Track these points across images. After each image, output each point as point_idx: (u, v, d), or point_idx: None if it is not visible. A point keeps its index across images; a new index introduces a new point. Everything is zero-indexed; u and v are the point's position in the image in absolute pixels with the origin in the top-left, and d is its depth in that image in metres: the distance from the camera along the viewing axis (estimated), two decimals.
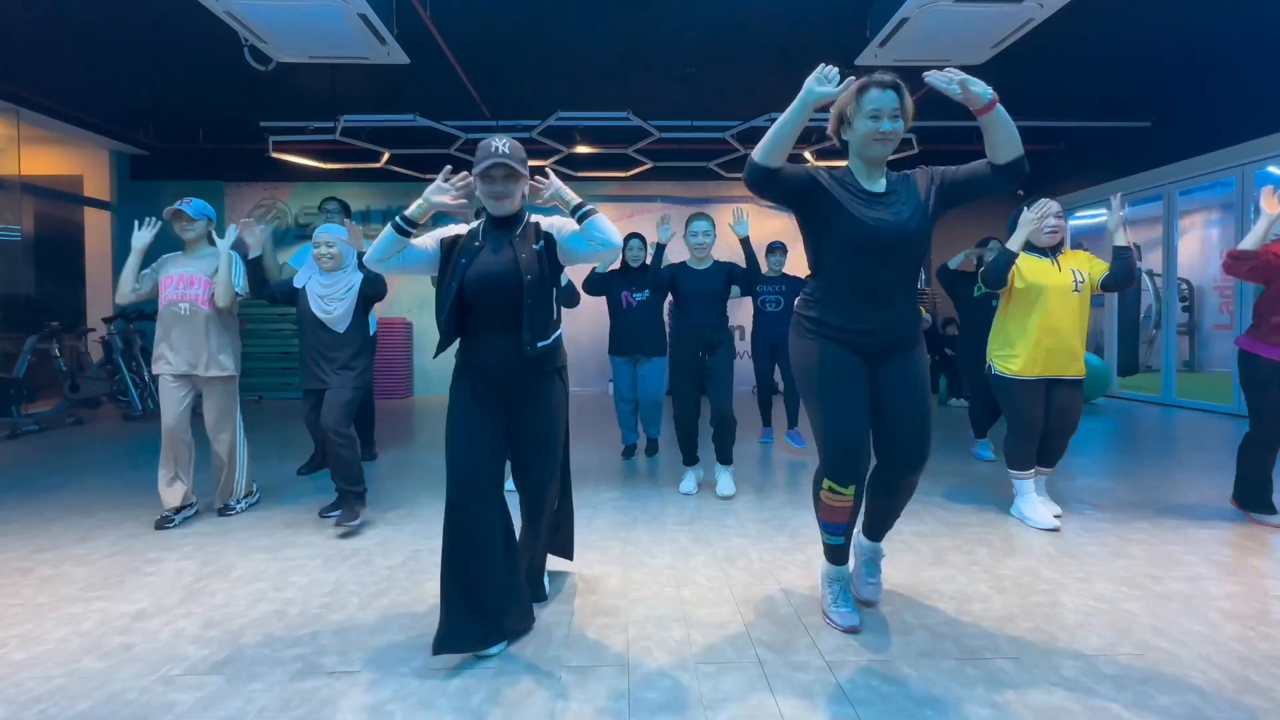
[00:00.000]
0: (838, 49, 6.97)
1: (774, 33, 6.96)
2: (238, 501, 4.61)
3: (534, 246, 2.78)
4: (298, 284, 4.49)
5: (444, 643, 2.60)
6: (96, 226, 11.25)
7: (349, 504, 4.28)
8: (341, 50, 5.79)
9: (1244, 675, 2.47)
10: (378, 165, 10.12)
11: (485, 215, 2.88)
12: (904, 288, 2.76)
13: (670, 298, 5.34)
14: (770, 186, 2.64)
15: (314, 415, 4.48)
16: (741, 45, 7.34)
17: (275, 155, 9.40)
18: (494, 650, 2.67)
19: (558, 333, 2.95)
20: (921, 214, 2.69)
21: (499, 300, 2.71)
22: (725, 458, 5.05)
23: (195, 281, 4.35)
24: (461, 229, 2.88)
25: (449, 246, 2.80)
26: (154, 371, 4.43)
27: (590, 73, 8.17)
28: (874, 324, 2.72)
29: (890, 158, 2.81)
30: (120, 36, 6.94)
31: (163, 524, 4.30)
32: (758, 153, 2.59)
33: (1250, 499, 4.29)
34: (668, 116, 9.29)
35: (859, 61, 6.13)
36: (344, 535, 4.15)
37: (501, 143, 2.70)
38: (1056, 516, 4.29)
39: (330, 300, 4.38)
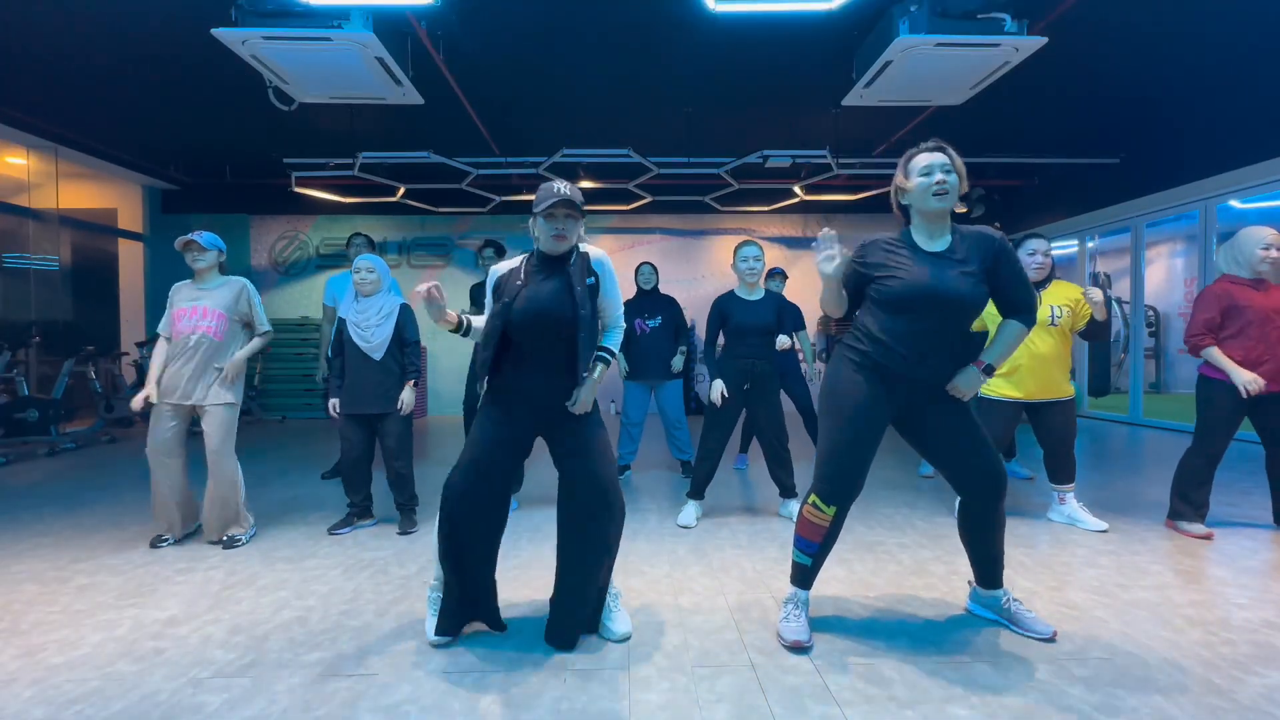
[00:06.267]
0: (825, 90, 7.08)
1: (766, 74, 7.03)
2: (240, 534, 4.28)
3: (588, 281, 2.80)
4: (341, 315, 4.51)
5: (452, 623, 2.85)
6: (130, 256, 11.30)
7: (408, 515, 4.58)
8: (360, 91, 5.84)
9: (1207, 678, 2.49)
10: (394, 199, 10.23)
11: (534, 252, 2.86)
12: (958, 338, 2.75)
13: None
14: (851, 311, 2.92)
15: (354, 435, 4.46)
16: (736, 86, 7.41)
17: (298, 190, 9.48)
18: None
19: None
20: (979, 276, 2.69)
21: (549, 334, 2.73)
22: (792, 490, 4.73)
23: (209, 314, 4.23)
24: (504, 266, 2.86)
25: (499, 288, 2.83)
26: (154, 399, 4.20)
27: (593, 112, 8.24)
28: (924, 372, 2.72)
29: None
30: (152, 78, 7.01)
31: (156, 543, 4.21)
32: (828, 311, 2.85)
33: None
34: (666, 153, 9.35)
35: (845, 102, 6.18)
36: (403, 533, 4.44)
37: (563, 185, 2.72)
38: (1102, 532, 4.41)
39: (366, 328, 4.40)
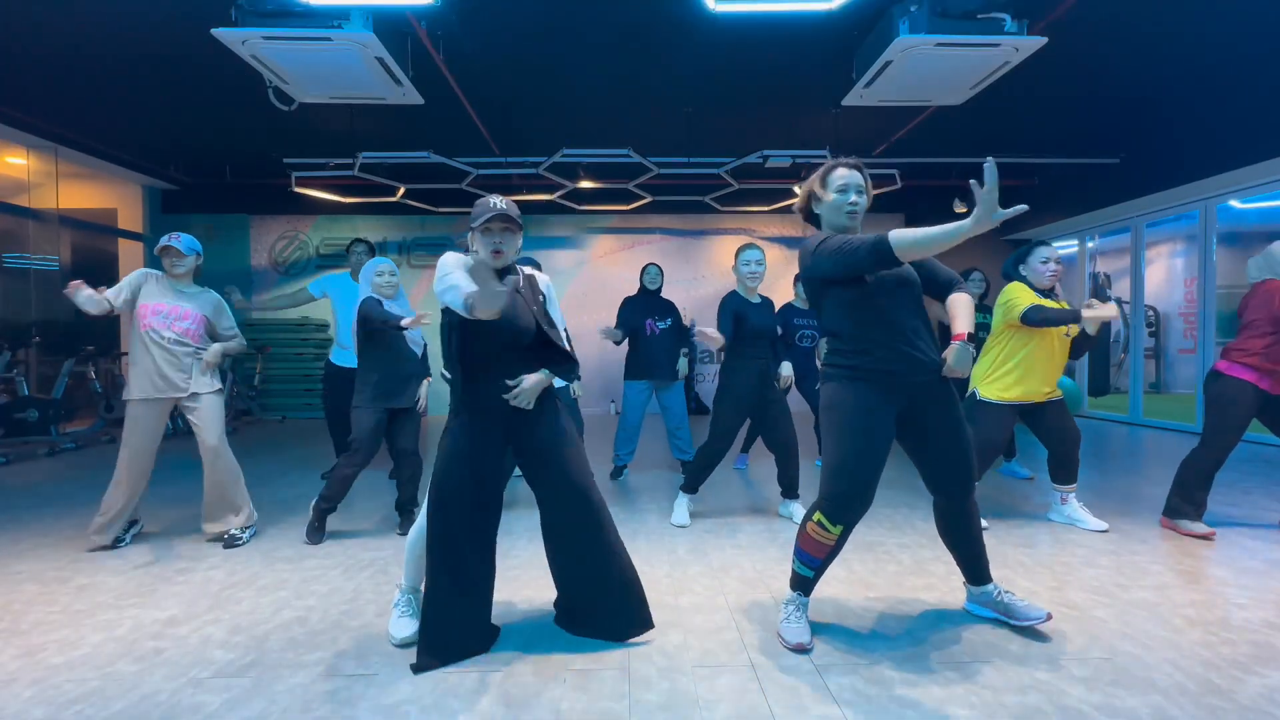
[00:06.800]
0: (825, 90, 7.08)
1: (766, 74, 7.04)
2: (243, 531, 4.30)
3: (540, 298, 2.89)
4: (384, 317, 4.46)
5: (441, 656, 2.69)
6: (130, 256, 11.26)
7: (409, 514, 4.59)
8: (360, 91, 5.84)
9: (1206, 678, 2.50)
10: (394, 199, 10.20)
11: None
12: (919, 320, 2.80)
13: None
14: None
15: (377, 431, 4.36)
16: (736, 86, 7.41)
17: (298, 190, 9.44)
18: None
19: None
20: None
21: (514, 345, 2.76)
22: (796, 491, 4.75)
23: (188, 315, 4.25)
24: (460, 260, 2.83)
25: None
26: (131, 396, 4.16)
27: (593, 112, 8.24)
28: (903, 358, 2.71)
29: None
30: (152, 78, 7.01)
31: (116, 544, 4.20)
32: (906, 248, 2.37)
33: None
34: (666, 153, 9.33)
35: (845, 102, 6.18)
36: (403, 534, 4.43)
37: (499, 199, 2.76)
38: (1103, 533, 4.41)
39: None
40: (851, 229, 2.81)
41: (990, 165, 2.15)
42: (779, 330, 4.70)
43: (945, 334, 6.23)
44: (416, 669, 2.63)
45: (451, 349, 2.75)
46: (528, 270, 2.96)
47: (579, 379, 2.93)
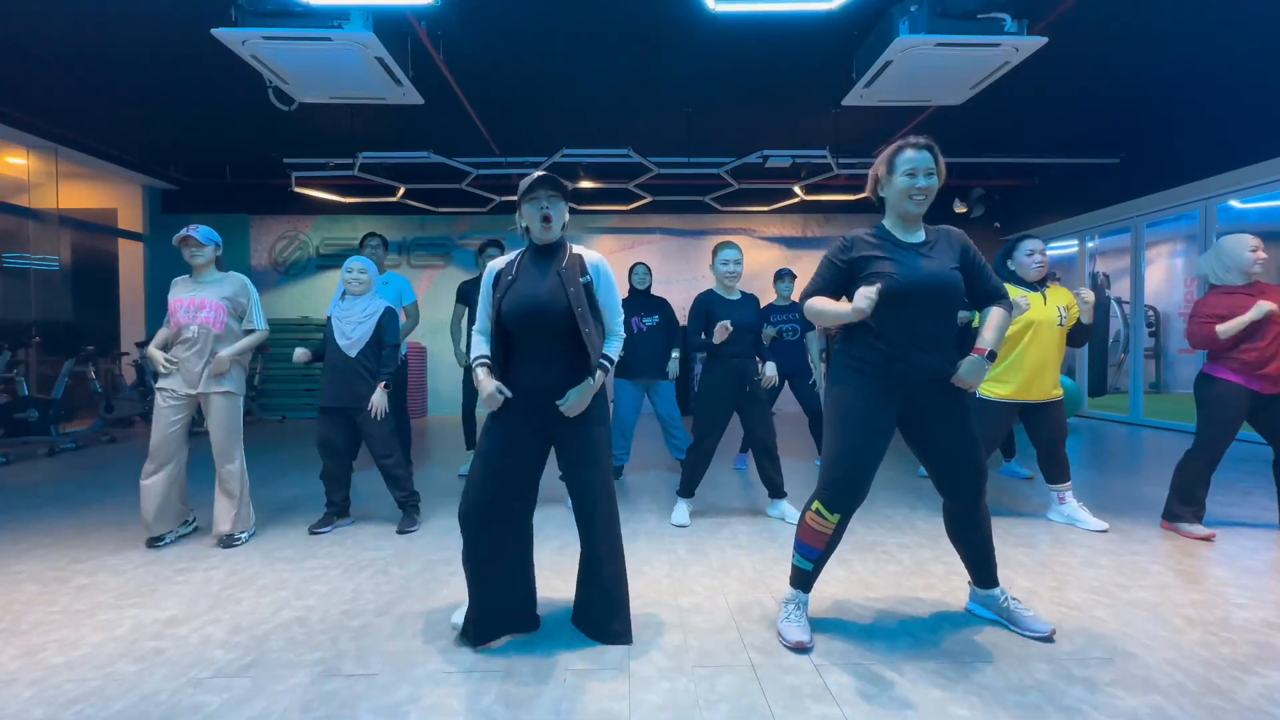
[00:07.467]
0: (825, 90, 7.08)
1: (766, 74, 7.04)
2: (243, 532, 4.29)
3: (582, 279, 2.82)
4: (329, 311, 4.58)
5: (480, 632, 2.80)
6: (130, 256, 11.31)
7: (409, 512, 4.60)
8: (360, 91, 5.83)
9: (1206, 678, 2.49)
10: (394, 199, 10.22)
11: (527, 245, 2.92)
12: (944, 330, 2.77)
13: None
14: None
15: (330, 432, 4.49)
16: (736, 86, 7.42)
17: (298, 190, 9.47)
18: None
19: None
20: (955, 266, 2.73)
21: (542, 328, 2.73)
22: (781, 489, 4.75)
23: (206, 305, 4.22)
24: (500, 262, 2.88)
25: (495, 285, 2.85)
26: (157, 386, 4.24)
27: (593, 112, 8.25)
28: (913, 364, 2.70)
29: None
30: (152, 78, 7.02)
31: (154, 543, 4.20)
32: (811, 316, 2.80)
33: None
34: (666, 153, 9.35)
35: (845, 102, 6.18)
36: (401, 532, 4.46)
37: (538, 171, 2.76)
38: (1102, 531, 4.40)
39: (348, 323, 4.45)
40: (916, 216, 2.75)
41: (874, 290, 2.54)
42: (758, 322, 4.69)
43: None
44: (460, 641, 2.83)
45: (492, 335, 2.82)
46: (575, 249, 2.91)
47: (603, 371, 2.86)
